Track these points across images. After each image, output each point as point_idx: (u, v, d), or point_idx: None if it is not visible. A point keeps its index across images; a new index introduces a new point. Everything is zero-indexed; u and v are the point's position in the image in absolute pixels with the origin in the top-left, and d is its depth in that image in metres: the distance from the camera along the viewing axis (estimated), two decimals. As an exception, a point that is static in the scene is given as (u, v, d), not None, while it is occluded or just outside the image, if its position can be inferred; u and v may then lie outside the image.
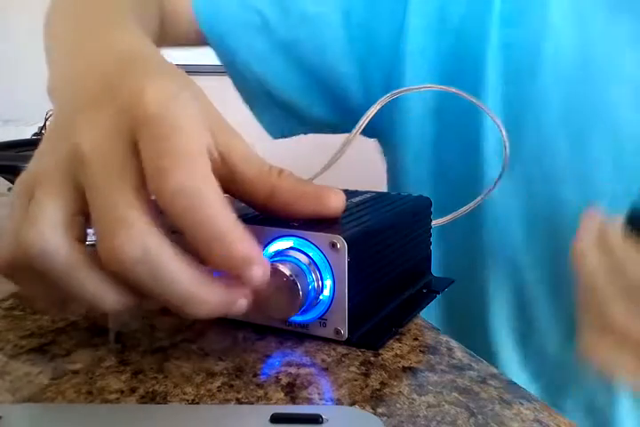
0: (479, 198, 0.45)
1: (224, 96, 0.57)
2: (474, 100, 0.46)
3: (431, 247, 0.40)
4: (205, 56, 0.60)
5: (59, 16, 0.44)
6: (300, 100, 0.59)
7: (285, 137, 0.65)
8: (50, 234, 0.26)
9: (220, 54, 0.59)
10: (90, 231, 0.28)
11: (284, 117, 0.62)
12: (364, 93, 0.58)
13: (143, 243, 0.25)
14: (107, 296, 0.27)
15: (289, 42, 0.56)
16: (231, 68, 0.59)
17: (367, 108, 0.58)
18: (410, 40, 0.54)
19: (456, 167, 0.55)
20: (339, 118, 0.61)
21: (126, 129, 0.27)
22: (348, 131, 0.61)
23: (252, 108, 0.63)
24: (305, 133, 0.65)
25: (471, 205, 0.45)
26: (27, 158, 0.29)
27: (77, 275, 0.26)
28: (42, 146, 0.29)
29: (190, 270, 0.26)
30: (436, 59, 0.54)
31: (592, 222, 0.33)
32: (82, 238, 0.28)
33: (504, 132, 0.42)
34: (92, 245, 0.28)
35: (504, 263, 0.55)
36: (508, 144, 0.42)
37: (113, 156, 0.27)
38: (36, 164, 0.29)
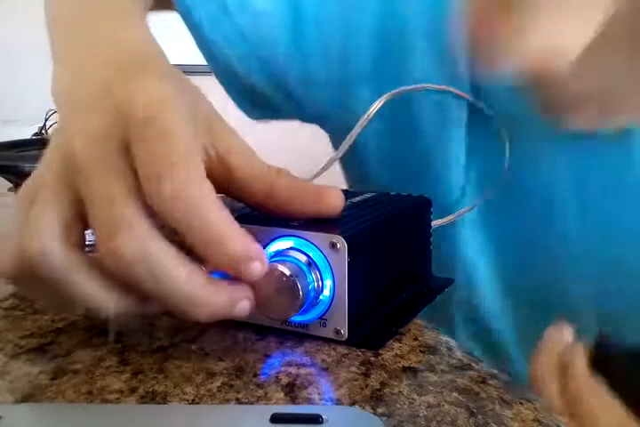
0: (480, 200, 0.45)
1: (223, 96, 0.57)
2: (474, 101, 0.46)
3: (431, 247, 0.40)
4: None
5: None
6: (263, 87, 0.57)
7: (263, 119, 0.62)
8: (48, 243, 0.26)
9: (189, 27, 0.56)
10: (88, 231, 0.28)
11: (253, 100, 0.59)
12: (303, 90, 0.55)
13: (142, 243, 0.25)
14: (107, 300, 0.27)
15: (242, 30, 0.54)
16: (201, 44, 0.57)
17: (309, 103, 0.56)
18: (361, 42, 0.51)
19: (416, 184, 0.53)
20: (297, 110, 0.58)
21: (118, 132, 0.27)
22: (311, 121, 0.59)
23: (223, 85, 0.60)
24: (277, 119, 0.62)
25: (471, 206, 0.45)
26: (27, 158, 0.29)
27: (76, 280, 0.27)
28: (44, 153, 0.30)
29: (190, 271, 0.26)
30: (381, 62, 0.51)
31: (556, 341, 0.32)
32: (80, 243, 0.28)
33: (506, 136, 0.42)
34: (92, 245, 0.28)
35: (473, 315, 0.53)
36: (508, 145, 0.42)
37: (105, 158, 0.27)
38: (37, 171, 0.29)
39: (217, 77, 0.59)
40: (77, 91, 0.31)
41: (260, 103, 0.59)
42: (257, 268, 0.27)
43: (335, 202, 0.31)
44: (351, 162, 0.56)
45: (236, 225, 0.27)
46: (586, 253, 0.45)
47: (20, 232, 0.27)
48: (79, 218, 0.27)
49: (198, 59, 0.59)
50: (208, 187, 0.27)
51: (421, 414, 0.25)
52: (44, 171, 0.29)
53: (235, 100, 0.60)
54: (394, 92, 0.41)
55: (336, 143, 0.59)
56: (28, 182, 0.29)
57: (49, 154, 0.29)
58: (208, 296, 0.27)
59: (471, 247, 0.50)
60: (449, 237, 0.49)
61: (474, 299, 0.52)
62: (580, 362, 0.30)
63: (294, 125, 0.62)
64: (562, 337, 0.32)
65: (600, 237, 0.44)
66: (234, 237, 0.26)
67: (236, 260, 0.26)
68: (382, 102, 0.41)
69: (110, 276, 0.27)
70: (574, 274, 0.45)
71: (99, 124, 0.28)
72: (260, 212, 0.31)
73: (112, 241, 0.25)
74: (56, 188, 0.28)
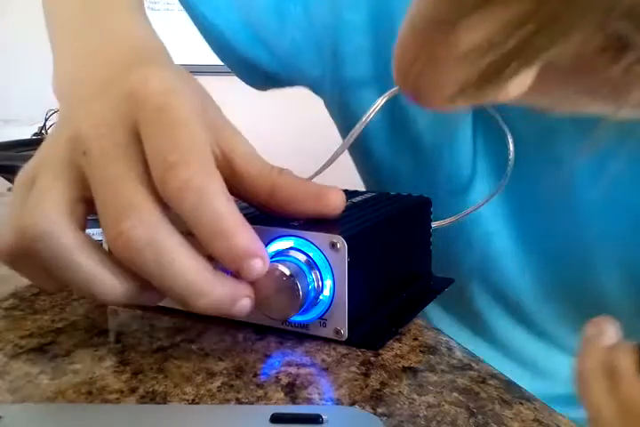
0: (484, 201, 0.44)
1: (225, 96, 0.56)
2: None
3: (431, 247, 0.40)
4: (206, 56, 0.59)
5: None
6: (261, 63, 0.54)
7: (265, 89, 0.60)
8: (52, 215, 0.26)
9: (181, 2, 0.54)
10: (90, 231, 0.28)
11: (249, 68, 0.57)
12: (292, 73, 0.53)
13: (150, 228, 0.25)
14: (108, 284, 0.26)
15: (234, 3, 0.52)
16: (195, 19, 0.54)
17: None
18: (345, 38, 0.49)
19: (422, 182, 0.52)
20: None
21: (127, 117, 0.27)
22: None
23: (219, 56, 0.57)
24: (282, 87, 0.59)
25: (474, 207, 0.44)
26: (27, 158, 0.29)
27: (78, 257, 0.26)
28: (46, 139, 0.29)
29: (195, 260, 0.26)
30: (377, 61, 0.49)
31: (597, 339, 0.31)
32: (83, 225, 0.27)
33: (509, 137, 0.41)
34: None
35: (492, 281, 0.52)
36: (511, 139, 0.41)
37: (114, 141, 0.27)
38: (38, 154, 0.29)
39: (216, 54, 0.57)
40: (80, 84, 0.31)
41: (261, 75, 0.57)
42: (258, 265, 0.27)
43: (335, 202, 0.31)
44: (358, 153, 0.56)
45: (244, 220, 0.27)
46: (610, 239, 0.44)
47: (20, 208, 0.27)
48: (83, 200, 0.27)
49: (200, 58, 0.58)
50: (218, 177, 0.26)
51: (421, 414, 0.25)
52: (46, 154, 0.28)
53: (233, 70, 0.58)
54: (392, 91, 0.41)
55: (341, 129, 0.58)
56: (26, 167, 0.29)
57: (50, 139, 0.29)
58: (211, 287, 0.26)
59: (498, 237, 0.49)
60: (472, 224, 0.48)
61: (502, 284, 0.51)
62: (629, 362, 0.29)
63: (296, 125, 0.62)
64: (606, 334, 0.31)
65: (624, 223, 0.43)
66: (240, 232, 0.26)
67: (240, 255, 0.26)
68: (384, 101, 0.41)
69: (113, 260, 0.26)
70: (599, 261, 0.45)
71: (106, 110, 0.27)
72: (261, 212, 0.31)
73: (120, 225, 0.25)
74: (59, 168, 0.27)
